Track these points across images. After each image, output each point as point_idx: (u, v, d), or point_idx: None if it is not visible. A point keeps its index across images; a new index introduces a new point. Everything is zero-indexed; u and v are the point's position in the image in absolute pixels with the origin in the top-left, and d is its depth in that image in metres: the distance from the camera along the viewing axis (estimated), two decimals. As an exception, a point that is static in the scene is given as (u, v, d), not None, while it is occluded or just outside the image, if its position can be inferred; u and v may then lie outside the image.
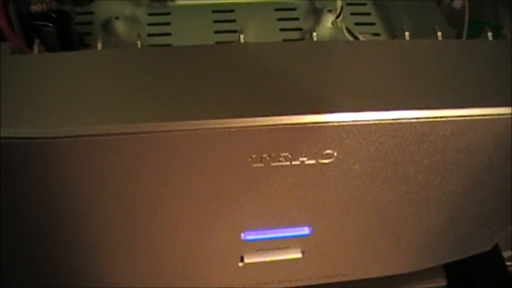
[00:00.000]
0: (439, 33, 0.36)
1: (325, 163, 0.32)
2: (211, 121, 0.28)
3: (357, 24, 0.51)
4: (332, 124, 0.29)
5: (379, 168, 0.33)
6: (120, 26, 0.48)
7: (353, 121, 0.29)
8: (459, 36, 0.46)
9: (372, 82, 0.31)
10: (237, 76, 0.31)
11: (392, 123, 0.30)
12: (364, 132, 0.30)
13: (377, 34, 0.49)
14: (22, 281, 0.42)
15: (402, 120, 0.30)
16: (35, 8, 0.41)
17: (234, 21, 0.50)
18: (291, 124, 0.29)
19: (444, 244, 0.44)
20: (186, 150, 0.29)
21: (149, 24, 0.49)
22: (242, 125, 0.28)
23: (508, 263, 0.66)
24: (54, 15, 0.42)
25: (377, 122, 0.30)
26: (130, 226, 0.35)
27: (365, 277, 0.47)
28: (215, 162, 0.30)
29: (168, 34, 0.48)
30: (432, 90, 0.31)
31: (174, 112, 0.28)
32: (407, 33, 0.37)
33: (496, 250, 0.61)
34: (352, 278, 0.46)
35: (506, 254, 0.75)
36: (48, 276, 0.41)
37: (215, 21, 0.50)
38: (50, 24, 0.41)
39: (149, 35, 0.48)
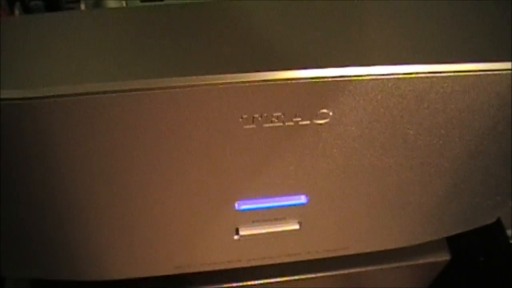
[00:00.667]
0: None
1: (320, 124, 0.30)
2: (199, 77, 0.27)
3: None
4: (327, 79, 0.28)
5: (377, 129, 0.32)
6: (111, 2, 0.47)
7: (348, 76, 0.28)
8: None
9: (368, 37, 0.30)
10: (227, 33, 0.29)
11: (389, 79, 0.29)
12: (361, 89, 0.29)
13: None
14: (20, 267, 0.41)
15: (400, 76, 0.29)
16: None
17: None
18: (283, 79, 0.27)
19: (447, 215, 0.43)
20: (174, 110, 0.28)
21: (142, 1, 0.48)
22: (231, 81, 0.27)
23: (512, 241, 0.65)
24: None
25: (373, 77, 0.28)
26: (122, 197, 0.34)
27: (366, 251, 0.45)
28: (205, 122, 0.29)
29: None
30: (432, 45, 0.30)
31: (161, 70, 0.27)
32: None
33: (499, 227, 0.60)
34: (351, 252, 0.45)
35: (511, 232, 0.74)
36: (45, 262, 0.40)
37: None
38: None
39: (143, 0, 0.47)
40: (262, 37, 0.29)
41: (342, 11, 0.31)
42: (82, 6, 0.34)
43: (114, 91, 0.27)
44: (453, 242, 0.52)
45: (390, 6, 0.32)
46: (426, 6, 0.32)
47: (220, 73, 0.27)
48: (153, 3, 0.46)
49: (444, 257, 0.51)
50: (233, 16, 0.30)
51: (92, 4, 0.46)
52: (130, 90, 0.27)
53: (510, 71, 0.30)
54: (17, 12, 0.34)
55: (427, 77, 0.29)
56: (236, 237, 0.40)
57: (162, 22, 0.30)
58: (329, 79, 0.28)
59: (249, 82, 0.27)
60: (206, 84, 0.27)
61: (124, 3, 0.37)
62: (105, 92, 0.27)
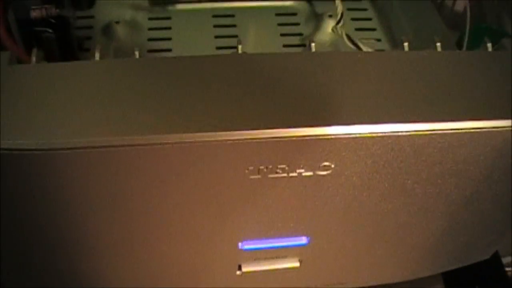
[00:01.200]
0: (438, 44, 0.36)
1: (322, 175, 0.32)
2: (208, 134, 0.28)
3: (358, 29, 0.51)
4: (329, 137, 0.29)
5: (377, 180, 0.33)
6: (120, 31, 0.48)
7: (350, 134, 0.29)
8: (460, 41, 0.47)
9: (369, 94, 0.31)
10: (234, 88, 0.31)
11: (389, 136, 0.30)
12: (362, 145, 0.30)
13: (378, 40, 0.49)
14: (22, 282, 0.42)
15: (400, 133, 0.30)
16: (35, 14, 0.41)
17: (234, 26, 0.50)
18: (288, 137, 0.29)
19: (443, 253, 0.44)
20: (183, 163, 0.29)
21: (150, 29, 0.49)
22: (239, 138, 0.28)
23: (507, 269, 0.66)
24: (53, 21, 0.42)
25: (374, 135, 0.30)
26: (128, 236, 0.35)
27: (363, 285, 0.47)
28: (213, 174, 0.30)
29: (169, 39, 0.48)
30: (430, 102, 0.31)
31: (170, 125, 0.28)
32: (406, 44, 0.36)
33: (495, 256, 0.61)
34: (349, 286, 0.46)
35: (506, 260, 0.75)
36: (48, 279, 0.41)
37: (215, 26, 0.50)
38: (50, 30, 0.41)
39: (149, 39, 0.48)
40: (268, 93, 0.30)
41: (344, 67, 0.33)
42: (97, 56, 0.35)
43: (122, 145, 0.28)
44: (447, 271, 0.53)
45: (391, 63, 0.33)
46: (424, 61, 0.33)
47: (227, 130, 0.28)
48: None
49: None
50: (241, 72, 0.32)
51: (101, 32, 0.48)
52: (137, 145, 0.28)
53: (506, 128, 0.31)
54: (34, 58, 0.35)
55: (426, 134, 0.30)
56: (238, 272, 0.41)
57: (173, 76, 0.31)
58: (332, 136, 0.29)
59: (255, 139, 0.28)
60: (214, 141, 0.28)
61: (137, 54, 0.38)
62: (113, 146, 0.28)
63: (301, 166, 0.31)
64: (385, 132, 0.30)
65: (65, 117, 0.28)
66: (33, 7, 0.41)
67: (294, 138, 0.29)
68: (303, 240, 0.38)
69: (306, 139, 0.29)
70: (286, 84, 0.31)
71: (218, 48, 0.47)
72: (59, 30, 0.42)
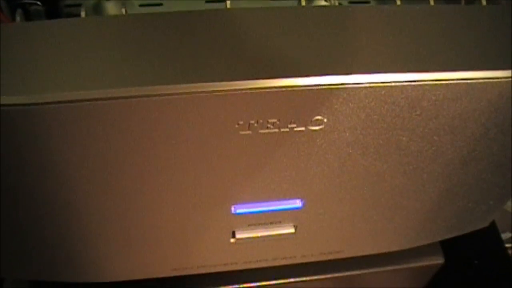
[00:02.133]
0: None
1: (315, 130, 0.31)
2: (195, 85, 0.27)
3: (351, 2, 0.50)
4: (321, 87, 0.28)
5: (371, 136, 0.32)
6: (110, 7, 0.47)
7: (342, 84, 0.29)
8: None
9: (362, 46, 0.30)
10: (223, 41, 0.30)
11: (382, 87, 0.29)
12: (354, 97, 0.29)
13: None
14: (19, 269, 0.41)
15: (393, 84, 0.29)
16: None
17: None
18: (278, 87, 0.28)
19: (440, 220, 0.44)
20: (171, 116, 0.29)
21: (140, 5, 0.48)
22: (227, 88, 0.28)
23: (507, 245, 0.66)
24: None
25: (367, 85, 0.29)
26: (119, 201, 0.35)
27: (360, 254, 0.46)
28: (202, 128, 0.30)
29: (160, 4, 0.47)
30: (424, 53, 0.30)
31: (158, 77, 0.28)
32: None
33: (494, 230, 0.60)
34: (346, 255, 0.46)
35: (505, 235, 0.74)
36: (43, 263, 0.41)
37: (207, 2, 0.49)
38: (38, 3, 0.40)
39: (141, 5, 0.47)
40: (258, 45, 0.29)
41: (336, 19, 0.32)
42: (83, 14, 0.35)
43: (111, 98, 0.27)
44: (447, 245, 0.53)
45: (383, 14, 0.32)
46: (418, 14, 0.33)
47: (216, 81, 0.27)
48: (152, 9, 0.47)
49: (438, 260, 0.51)
50: (230, 24, 0.31)
51: (92, 9, 0.47)
52: (126, 97, 0.27)
53: (502, 79, 0.31)
54: (18, 18, 0.34)
55: (419, 85, 0.30)
56: (232, 240, 0.40)
57: (160, 30, 0.30)
58: (324, 87, 0.28)
59: (245, 89, 0.28)
60: (202, 92, 0.27)
61: (123, 10, 0.38)
62: (101, 99, 0.27)
63: (293, 120, 0.30)
64: (377, 82, 0.29)
65: (53, 72, 0.28)
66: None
67: (284, 89, 0.28)
68: (298, 203, 0.37)
69: (297, 90, 0.28)
70: (276, 37, 0.30)
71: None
72: (47, 3, 0.41)
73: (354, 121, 0.31)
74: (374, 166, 0.35)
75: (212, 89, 0.28)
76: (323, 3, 0.49)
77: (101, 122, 0.28)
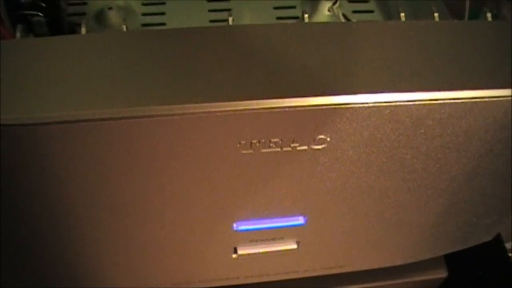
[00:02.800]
0: (436, 14, 0.35)
1: (317, 149, 0.31)
2: (197, 105, 0.27)
3: (355, 12, 0.50)
4: (324, 107, 0.28)
5: (375, 154, 0.32)
6: (113, 17, 0.47)
7: (346, 104, 0.28)
8: None
9: (366, 64, 0.30)
10: (225, 59, 0.30)
11: (387, 106, 0.29)
12: (358, 116, 0.29)
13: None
14: (20, 280, 0.41)
15: (398, 103, 0.29)
16: (26, -3, 0.40)
17: (229, 10, 0.49)
18: (281, 107, 0.27)
19: (443, 234, 0.43)
20: (173, 136, 0.28)
21: (143, 14, 0.48)
22: (229, 109, 0.27)
23: (511, 254, 0.65)
24: (43, 4, 0.40)
25: (371, 105, 0.29)
26: (121, 217, 0.34)
27: (363, 268, 0.46)
28: (204, 148, 0.29)
29: (163, 24, 0.47)
30: (429, 72, 0.30)
31: (160, 97, 0.27)
32: (402, 14, 0.35)
33: (498, 240, 0.60)
34: (349, 269, 0.45)
35: (509, 245, 0.74)
36: (42, 273, 0.41)
37: (210, 10, 0.49)
38: (40, 14, 0.40)
39: (143, 25, 0.47)
40: (260, 64, 0.29)
41: (339, 36, 0.31)
42: (83, 31, 0.34)
43: (111, 118, 0.27)
44: (451, 255, 0.52)
45: (387, 31, 0.32)
46: (423, 31, 0.32)
47: (218, 101, 0.27)
48: (154, 18, 0.47)
49: (441, 274, 0.51)
50: (231, 43, 0.30)
51: (94, 17, 0.47)
52: (127, 118, 0.27)
53: (507, 98, 0.30)
54: (18, 34, 0.34)
55: (424, 104, 0.29)
56: (234, 255, 0.40)
57: (162, 48, 0.30)
58: (327, 107, 0.28)
59: (247, 110, 0.27)
60: (204, 112, 0.27)
61: (124, 27, 0.37)
62: (101, 119, 0.27)
63: (295, 139, 0.30)
64: (381, 102, 0.28)
65: (52, 91, 0.27)
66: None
67: (287, 109, 0.28)
68: (300, 220, 0.37)
69: (300, 110, 0.28)
70: (278, 55, 0.30)
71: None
72: (49, 14, 0.40)
73: (357, 140, 0.31)
74: (377, 183, 0.34)
75: (213, 109, 0.27)
76: (327, 13, 0.49)
77: (101, 142, 0.28)
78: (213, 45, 0.30)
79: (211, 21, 0.48)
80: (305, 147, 0.30)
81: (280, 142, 0.30)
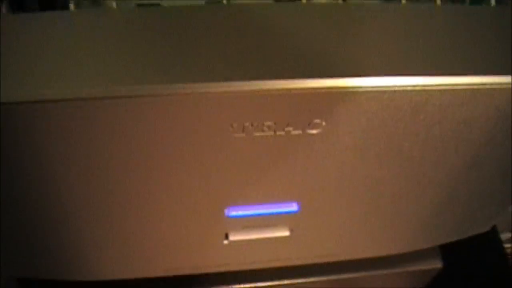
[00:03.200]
0: None
1: (312, 134, 0.30)
2: (189, 85, 0.26)
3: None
4: (320, 90, 0.27)
5: (371, 141, 0.31)
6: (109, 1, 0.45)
7: (342, 87, 0.27)
8: None
9: (364, 47, 0.29)
10: (220, 39, 0.28)
11: (385, 91, 0.28)
12: (355, 100, 0.28)
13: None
14: (11, 266, 0.40)
15: (396, 88, 0.28)
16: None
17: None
18: (276, 90, 0.26)
19: (440, 224, 0.42)
20: (164, 116, 0.27)
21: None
22: (221, 89, 0.26)
23: (507, 245, 0.65)
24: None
25: (369, 89, 0.28)
26: (114, 200, 0.33)
27: (357, 257, 0.45)
28: (195, 130, 0.28)
29: (157, 5, 0.46)
30: (429, 56, 0.29)
31: (152, 76, 0.26)
32: None
33: (493, 232, 0.59)
34: (343, 258, 0.44)
35: (505, 236, 0.73)
36: (35, 261, 0.40)
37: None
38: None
39: (138, 5, 0.46)
40: (255, 44, 0.28)
41: (338, 18, 0.30)
42: (71, 6, 0.33)
43: (102, 97, 0.26)
44: (446, 246, 0.52)
45: (387, 13, 0.31)
46: (424, 15, 0.31)
47: (209, 81, 0.26)
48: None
49: (436, 264, 0.50)
50: (227, 22, 0.29)
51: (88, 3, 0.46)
52: (119, 97, 0.26)
53: (509, 85, 0.29)
54: (4, 10, 0.32)
55: (424, 90, 0.28)
56: (225, 242, 0.39)
57: (156, 27, 0.29)
58: (323, 90, 0.27)
59: (240, 91, 0.26)
60: (196, 93, 0.26)
61: (114, 4, 0.36)
62: (95, 98, 0.26)
63: (289, 123, 0.29)
64: (379, 86, 0.27)
65: (47, 68, 0.26)
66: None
67: (282, 92, 0.27)
68: (294, 206, 0.36)
69: (295, 93, 0.27)
70: (275, 36, 0.29)
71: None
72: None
73: (354, 125, 0.30)
74: (374, 171, 0.34)
75: (205, 90, 0.26)
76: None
77: (94, 122, 0.27)
78: (208, 24, 0.29)
79: (207, 2, 0.47)
80: (299, 132, 0.29)
81: (273, 125, 0.29)
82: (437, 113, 0.30)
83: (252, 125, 0.28)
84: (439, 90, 0.28)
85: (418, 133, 0.31)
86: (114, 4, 0.35)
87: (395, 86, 0.28)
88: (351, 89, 0.27)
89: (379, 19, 0.30)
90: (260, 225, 0.38)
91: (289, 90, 0.27)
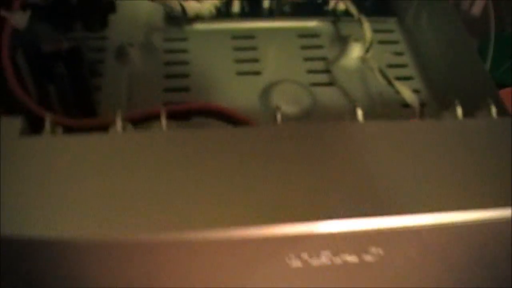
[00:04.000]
0: (493, 110, 0.32)
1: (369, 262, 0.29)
2: (242, 228, 0.26)
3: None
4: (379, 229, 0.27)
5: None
6: (134, 54, 0.45)
7: (402, 226, 0.27)
8: (480, 49, 0.47)
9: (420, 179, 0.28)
10: (266, 174, 0.28)
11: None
12: (414, 235, 0.28)
13: (410, 78, 0.47)
14: None
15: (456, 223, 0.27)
16: (47, 48, 0.38)
17: (255, 48, 0.48)
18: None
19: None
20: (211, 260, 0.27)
21: (165, 52, 0.46)
22: (278, 232, 0.26)
23: None
24: (65, 54, 0.38)
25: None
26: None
27: None
28: (253, 264, 0.28)
29: (185, 63, 0.46)
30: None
31: (205, 218, 0.26)
32: (459, 109, 0.32)
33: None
34: None
35: None
36: None
37: (235, 49, 0.47)
38: (62, 65, 0.38)
39: (165, 63, 0.45)
40: (309, 184, 0.27)
41: (389, 142, 0.30)
42: (119, 126, 0.31)
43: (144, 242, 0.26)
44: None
45: (441, 136, 0.30)
46: (482, 136, 0.31)
47: (266, 223, 0.26)
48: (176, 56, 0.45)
49: None
50: (278, 150, 0.29)
51: (114, 56, 0.45)
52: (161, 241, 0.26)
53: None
54: (47, 126, 0.31)
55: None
56: None
57: (200, 154, 0.28)
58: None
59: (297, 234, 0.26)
60: (248, 237, 0.26)
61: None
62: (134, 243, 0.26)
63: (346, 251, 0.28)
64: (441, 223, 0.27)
65: (75, 205, 0.26)
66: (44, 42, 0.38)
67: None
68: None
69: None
70: (329, 169, 0.28)
71: (239, 74, 0.45)
72: (71, 62, 0.38)
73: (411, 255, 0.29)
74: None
75: (260, 233, 0.26)
76: (355, 57, 0.47)
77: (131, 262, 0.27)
78: (258, 153, 0.29)
79: (236, 60, 0.46)
80: (356, 260, 0.29)
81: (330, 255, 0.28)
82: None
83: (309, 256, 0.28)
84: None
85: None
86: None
87: (456, 222, 0.27)
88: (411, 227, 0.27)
89: (435, 141, 0.30)
90: None
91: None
